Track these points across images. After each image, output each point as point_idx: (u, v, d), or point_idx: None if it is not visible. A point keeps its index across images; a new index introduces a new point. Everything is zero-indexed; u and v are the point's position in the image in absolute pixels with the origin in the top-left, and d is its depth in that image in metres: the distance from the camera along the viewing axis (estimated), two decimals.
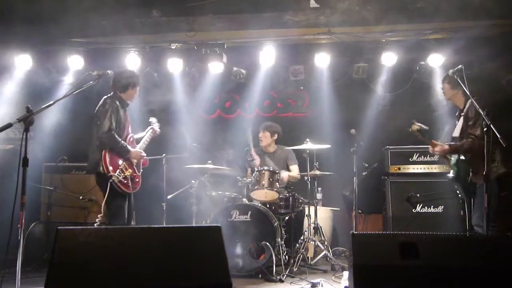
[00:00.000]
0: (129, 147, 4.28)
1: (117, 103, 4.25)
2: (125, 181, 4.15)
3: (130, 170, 4.23)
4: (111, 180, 4.05)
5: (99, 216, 4.14)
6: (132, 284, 2.41)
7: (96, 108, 4.26)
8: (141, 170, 4.46)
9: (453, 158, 4.17)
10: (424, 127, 4.11)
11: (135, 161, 4.34)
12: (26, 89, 6.11)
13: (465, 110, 4.09)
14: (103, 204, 4.11)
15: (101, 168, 4.08)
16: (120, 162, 4.19)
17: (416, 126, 4.08)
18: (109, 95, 4.32)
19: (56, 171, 5.76)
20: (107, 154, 4.11)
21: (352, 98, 6.35)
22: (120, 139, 4.18)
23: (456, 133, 4.15)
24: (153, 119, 4.84)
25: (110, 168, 4.07)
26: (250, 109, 6.79)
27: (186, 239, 2.63)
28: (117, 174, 4.10)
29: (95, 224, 4.11)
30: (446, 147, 4.08)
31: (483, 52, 5.39)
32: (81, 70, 5.84)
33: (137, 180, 4.35)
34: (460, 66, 3.86)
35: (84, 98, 4.87)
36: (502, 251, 2.68)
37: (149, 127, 4.77)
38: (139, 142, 4.54)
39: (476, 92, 3.77)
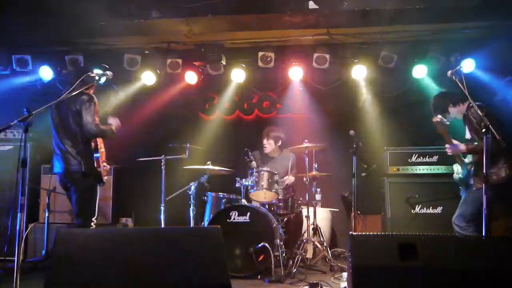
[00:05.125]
0: (103, 127, 4.13)
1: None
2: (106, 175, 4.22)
3: (104, 162, 4.25)
4: (102, 184, 4.14)
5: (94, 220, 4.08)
6: (131, 285, 2.41)
7: (75, 105, 4.04)
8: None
9: (467, 160, 4.21)
10: (445, 121, 4.08)
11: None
12: (26, 89, 6.11)
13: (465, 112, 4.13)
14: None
15: (98, 169, 4.09)
16: (99, 157, 4.16)
17: (437, 118, 4.07)
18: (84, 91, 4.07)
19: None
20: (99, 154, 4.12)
21: (351, 98, 6.35)
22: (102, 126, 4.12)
23: (468, 135, 4.15)
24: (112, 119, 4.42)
25: (99, 169, 4.12)
26: (249, 110, 6.79)
27: (185, 240, 2.63)
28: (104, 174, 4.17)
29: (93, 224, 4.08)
30: (463, 147, 4.06)
31: (482, 53, 5.40)
32: (81, 71, 5.82)
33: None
34: (459, 67, 3.87)
35: None
36: (501, 252, 2.69)
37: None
38: None
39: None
